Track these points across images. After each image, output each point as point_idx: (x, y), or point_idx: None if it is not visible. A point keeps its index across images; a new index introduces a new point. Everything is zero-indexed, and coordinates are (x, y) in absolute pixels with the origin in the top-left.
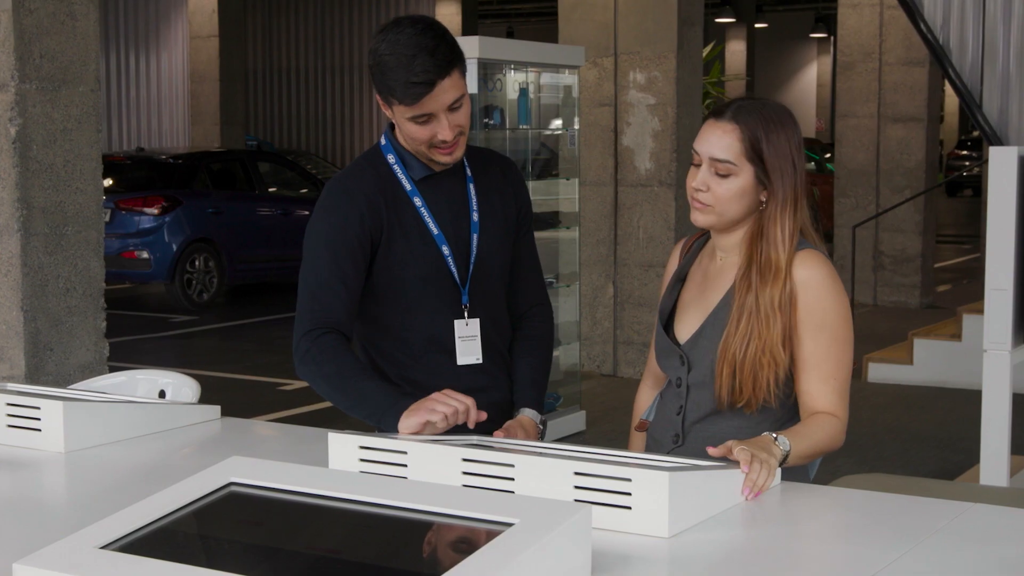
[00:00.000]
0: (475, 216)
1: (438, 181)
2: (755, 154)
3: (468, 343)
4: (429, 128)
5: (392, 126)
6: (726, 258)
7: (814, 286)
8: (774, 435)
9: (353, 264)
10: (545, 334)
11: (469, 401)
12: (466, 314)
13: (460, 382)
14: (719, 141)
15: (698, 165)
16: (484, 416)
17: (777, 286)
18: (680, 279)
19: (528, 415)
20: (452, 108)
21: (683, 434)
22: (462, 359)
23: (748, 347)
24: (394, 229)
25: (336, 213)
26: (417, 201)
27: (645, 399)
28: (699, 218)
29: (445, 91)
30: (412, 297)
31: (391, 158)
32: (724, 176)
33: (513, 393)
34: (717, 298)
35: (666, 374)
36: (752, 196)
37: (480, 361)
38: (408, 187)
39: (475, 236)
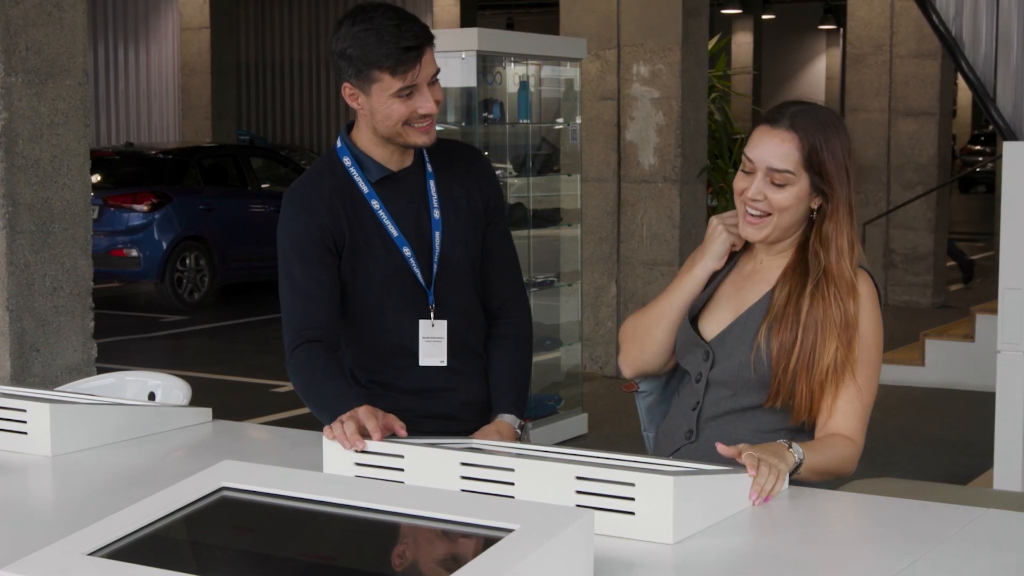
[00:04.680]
0: (436, 213)
1: (396, 181)
2: (813, 162)
3: (433, 344)
4: (411, 103)
5: (349, 128)
6: (767, 260)
7: (865, 309)
8: (788, 443)
9: (325, 267)
10: (522, 331)
11: (360, 444)
12: (432, 315)
13: (426, 383)
14: (777, 150)
15: (749, 172)
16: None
17: (851, 298)
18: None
19: (506, 420)
20: (431, 83)
21: (697, 430)
22: (424, 360)
23: (822, 360)
24: (355, 234)
25: (296, 223)
26: (375, 204)
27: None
28: (754, 234)
29: (429, 62)
30: (377, 301)
31: (347, 160)
32: (781, 186)
33: (491, 397)
34: (752, 299)
35: (686, 368)
36: (806, 204)
37: (444, 363)
38: (365, 190)
39: (437, 234)
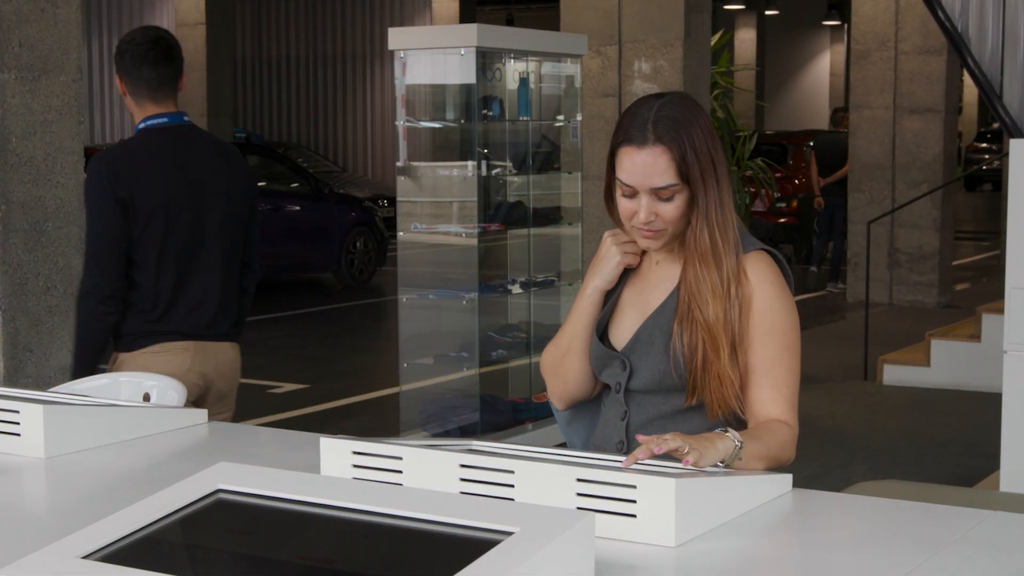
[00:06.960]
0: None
1: None
2: (685, 166)
3: None
4: None
5: None
6: (663, 259)
7: (763, 291)
8: (725, 429)
9: None
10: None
11: None
12: None
13: None
14: (653, 168)
15: (631, 196)
16: None
17: (738, 293)
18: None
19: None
20: None
21: (627, 441)
22: None
23: (719, 359)
24: None
25: None
26: None
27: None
28: (653, 244)
29: None
30: None
31: None
32: (668, 200)
33: None
34: (657, 300)
35: (606, 382)
36: (691, 204)
37: None
38: None
39: None
